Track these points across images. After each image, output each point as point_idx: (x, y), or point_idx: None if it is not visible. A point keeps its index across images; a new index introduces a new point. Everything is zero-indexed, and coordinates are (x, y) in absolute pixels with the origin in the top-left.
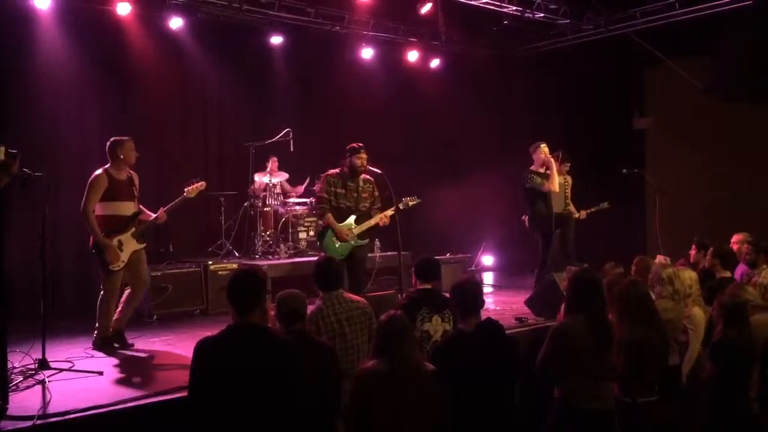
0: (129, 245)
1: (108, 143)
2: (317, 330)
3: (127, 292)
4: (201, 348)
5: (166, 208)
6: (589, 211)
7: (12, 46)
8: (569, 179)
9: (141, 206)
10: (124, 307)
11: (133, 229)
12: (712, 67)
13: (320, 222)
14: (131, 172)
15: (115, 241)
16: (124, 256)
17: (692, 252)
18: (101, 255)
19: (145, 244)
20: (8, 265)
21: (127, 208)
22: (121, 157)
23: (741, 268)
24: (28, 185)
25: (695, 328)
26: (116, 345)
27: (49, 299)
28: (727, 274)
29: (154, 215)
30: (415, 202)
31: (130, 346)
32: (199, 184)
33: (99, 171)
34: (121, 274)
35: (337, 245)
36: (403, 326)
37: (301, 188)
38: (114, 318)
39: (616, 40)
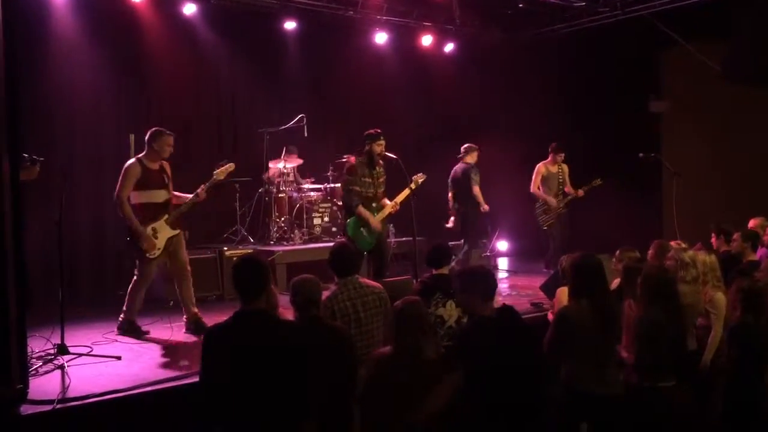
0: (163, 232)
1: (148, 133)
2: (332, 315)
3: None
4: (209, 335)
5: (204, 187)
6: (584, 188)
7: (27, 34)
8: (564, 168)
9: (175, 192)
10: (184, 296)
11: (166, 216)
12: (728, 50)
13: (341, 220)
14: (163, 161)
15: (149, 230)
16: (160, 243)
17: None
18: (137, 243)
19: (178, 231)
20: (26, 253)
21: (159, 195)
22: (155, 149)
23: (760, 251)
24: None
25: (717, 312)
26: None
27: (67, 285)
28: (755, 257)
29: (190, 195)
30: (423, 179)
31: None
32: (228, 165)
33: (132, 160)
34: (156, 263)
35: (366, 235)
36: (419, 313)
37: (308, 182)
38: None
39: (632, 22)
